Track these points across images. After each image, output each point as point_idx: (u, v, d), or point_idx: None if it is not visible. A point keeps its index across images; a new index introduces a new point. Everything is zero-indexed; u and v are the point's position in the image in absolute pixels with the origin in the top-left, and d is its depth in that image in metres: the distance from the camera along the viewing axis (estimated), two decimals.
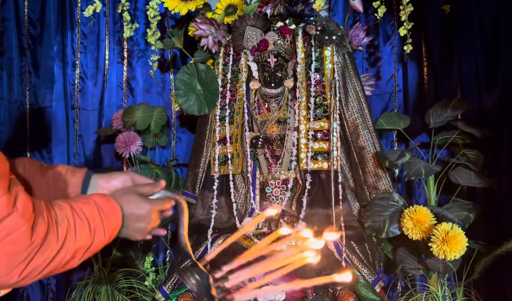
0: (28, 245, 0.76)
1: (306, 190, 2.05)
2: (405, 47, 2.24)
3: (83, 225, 0.86)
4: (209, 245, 1.98)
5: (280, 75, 2.18)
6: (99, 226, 0.90)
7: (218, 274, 1.02)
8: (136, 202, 1.00)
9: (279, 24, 2.21)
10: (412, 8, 2.22)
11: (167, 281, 2.00)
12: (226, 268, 1.02)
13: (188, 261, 1.02)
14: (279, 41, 2.15)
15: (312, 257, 0.98)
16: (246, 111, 2.20)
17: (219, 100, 2.23)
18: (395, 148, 2.38)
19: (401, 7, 2.23)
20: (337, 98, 2.09)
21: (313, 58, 2.14)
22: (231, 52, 2.25)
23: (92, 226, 0.88)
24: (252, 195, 2.15)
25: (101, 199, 0.93)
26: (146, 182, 1.09)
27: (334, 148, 2.07)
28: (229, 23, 2.23)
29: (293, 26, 2.20)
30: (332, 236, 1.00)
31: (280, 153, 2.17)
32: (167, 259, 2.47)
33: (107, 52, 2.61)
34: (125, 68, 2.62)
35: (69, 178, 1.07)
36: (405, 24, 2.23)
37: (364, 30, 2.26)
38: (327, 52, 2.14)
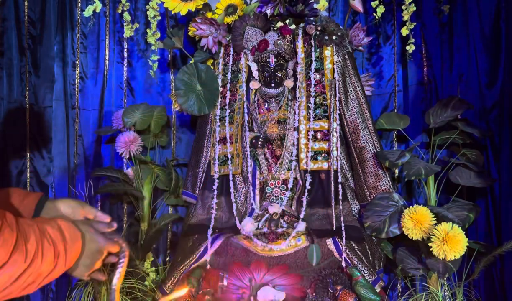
0: None
1: (306, 190, 2.05)
2: (407, 47, 2.24)
3: (49, 249, 0.83)
4: (209, 245, 1.98)
5: (280, 75, 2.18)
6: (62, 253, 0.87)
7: None
8: (93, 236, 0.97)
9: (279, 24, 2.21)
10: (415, 8, 2.22)
11: (167, 281, 2.00)
12: None
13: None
14: (279, 41, 2.15)
15: None
16: (246, 111, 2.20)
17: (219, 100, 2.23)
18: (395, 148, 2.38)
19: (403, 7, 2.23)
20: (337, 98, 2.09)
21: (313, 58, 2.14)
22: (231, 52, 2.25)
23: (56, 252, 0.85)
24: (252, 195, 2.15)
25: (66, 225, 0.90)
26: (96, 212, 1.08)
27: (334, 148, 2.07)
28: (229, 23, 2.23)
29: (293, 26, 2.20)
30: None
31: (280, 153, 2.17)
32: (167, 259, 2.47)
33: (107, 52, 2.61)
34: (125, 68, 2.62)
35: (22, 198, 1.05)
36: (407, 24, 2.23)
37: (364, 30, 2.26)
38: (327, 52, 2.14)
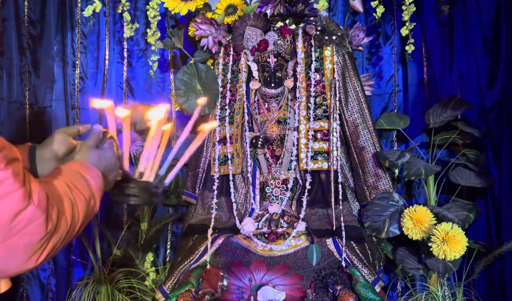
0: (44, 234, 0.79)
1: (306, 190, 2.05)
2: (407, 47, 2.24)
3: (81, 200, 0.89)
4: (209, 245, 1.98)
5: (280, 75, 2.18)
6: (91, 195, 0.93)
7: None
8: (102, 156, 1.02)
9: (279, 24, 2.21)
10: (414, 8, 2.22)
11: (167, 281, 2.00)
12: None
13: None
14: (279, 41, 2.15)
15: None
16: (246, 111, 2.20)
17: (219, 100, 2.23)
18: (395, 148, 2.38)
19: (403, 7, 2.23)
20: (337, 98, 2.09)
21: (313, 58, 2.14)
22: (231, 52, 2.25)
23: (87, 197, 0.91)
24: (252, 195, 2.15)
25: (82, 168, 0.96)
26: (80, 130, 1.12)
27: (334, 148, 2.07)
28: (229, 23, 2.23)
29: (293, 26, 2.20)
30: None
31: (280, 153, 2.17)
32: (167, 259, 2.47)
33: (107, 52, 2.61)
34: (125, 68, 2.62)
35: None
36: (407, 24, 2.23)
37: (364, 30, 2.26)
38: (327, 52, 2.14)
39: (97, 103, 1.08)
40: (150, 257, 2.28)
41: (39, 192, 0.79)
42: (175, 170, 1.13)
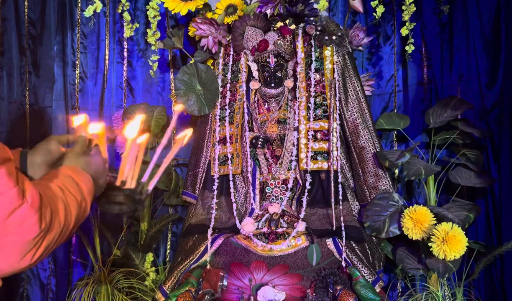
0: (38, 233, 0.81)
1: (306, 190, 2.05)
2: (407, 47, 2.24)
3: (73, 202, 0.92)
4: (209, 245, 1.98)
5: (280, 75, 2.18)
6: (82, 197, 0.95)
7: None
8: (91, 162, 1.05)
9: (279, 24, 2.21)
10: (415, 8, 2.22)
11: (167, 281, 2.00)
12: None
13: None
14: (279, 41, 2.15)
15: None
16: (246, 111, 2.20)
17: (219, 100, 2.23)
18: (395, 148, 2.38)
19: (403, 7, 2.23)
20: (337, 98, 2.09)
21: (313, 58, 2.14)
22: (231, 52, 2.25)
23: (79, 200, 0.94)
24: (252, 195, 2.15)
25: (73, 172, 0.98)
26: (70, 139, 1.14)
27: (334, 148, 2.07)
28: (229, 23, 2.23)
29: (293, 26, 2.20)
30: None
31: (280, 153, 2.17)
32: (167, 259, 2.47)
33: (107, 52, 2.61)
34: (125, 68, 2.62)
35: None
36: (407, 24, 2.24)
37: (364, 30, 2.26)
38: (327, 52, 2.14)
39: (76, 120, 1.11)
40: (150, 257, 2.28)
41: (32, 191, 0.81)
42: (156, 177, 1.14)
